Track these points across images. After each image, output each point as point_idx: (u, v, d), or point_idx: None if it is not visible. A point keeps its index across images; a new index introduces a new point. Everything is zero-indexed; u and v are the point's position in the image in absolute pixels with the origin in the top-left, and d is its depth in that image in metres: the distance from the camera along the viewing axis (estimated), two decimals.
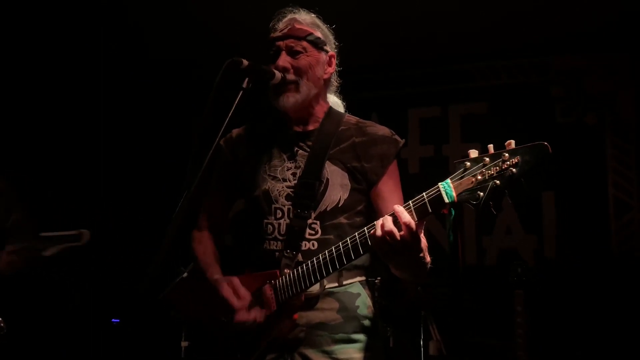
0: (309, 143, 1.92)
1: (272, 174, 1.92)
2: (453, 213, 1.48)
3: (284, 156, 1.94)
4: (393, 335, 3.58)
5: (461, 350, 3.98)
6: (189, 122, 4.91)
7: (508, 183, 1.37)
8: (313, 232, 1.84)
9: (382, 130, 1.95)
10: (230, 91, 1.70)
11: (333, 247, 1.67)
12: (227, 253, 2.09)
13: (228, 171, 2.03)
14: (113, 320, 4.40)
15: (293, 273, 1.76)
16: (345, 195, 1.87)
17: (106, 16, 4.05)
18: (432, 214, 1.49)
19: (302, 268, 1.74)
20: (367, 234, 1.59)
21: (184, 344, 3.60)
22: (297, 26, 1.92)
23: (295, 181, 1.88)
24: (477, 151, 1.44)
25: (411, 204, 1.50)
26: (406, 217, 1.47)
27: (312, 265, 1.71)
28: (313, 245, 1.83)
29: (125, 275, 4.29)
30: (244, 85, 1.72)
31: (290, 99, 1.88)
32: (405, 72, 4.85)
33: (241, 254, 2.00)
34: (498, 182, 1.38)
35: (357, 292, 1.88)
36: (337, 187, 1.87)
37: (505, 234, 4.44)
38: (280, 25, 1.95)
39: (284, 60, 1.88)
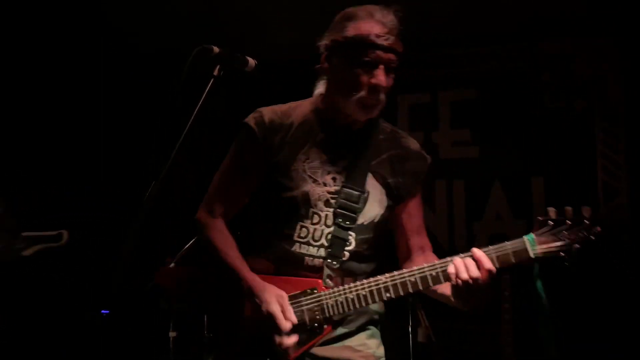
0: (351, 148, 1.86)
1: (312, 175, 1.82)
2: (537, 268, 1.66)
3: (325, 157, 1.84)
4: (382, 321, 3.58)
5: (449, 336, 3.99)
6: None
7: (587, 249, 1.58)
8: (348, 244, 1.81)
9: (414, 144, 1.97)
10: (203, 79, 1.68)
11: (396, 273, 1.68)
12: None
13: (257, 157, 1.84)
14: (103, 311, 4.39)
15: (347, 292, 1.71)
16: (382, 212, 1.86)
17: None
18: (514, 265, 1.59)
19: (359, 290, 1.70)
20: (439, 271, 1.63)
21: (172, 334, 3.61)
22: (397, 39, 1.77)
23: (337, 187, 1.81)
24: (555, 210, 1.61)
25: (492, 252, 1.58)
26: (489, 264, 1.55)
27: (370, 288, 1.69)
28: (345, 256, 1.81)
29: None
30: (215, 73, 1.69)
31: (375, 113, 1.85)
32: None
33: (253, 248, 1.88)
34: (578, 246, 1.58)
35: None
36: (376, 203, 1.85)
37: (495, 219, 4.43)
38: (382, 27, 1.76)
39: (386, 80, 1.77)
